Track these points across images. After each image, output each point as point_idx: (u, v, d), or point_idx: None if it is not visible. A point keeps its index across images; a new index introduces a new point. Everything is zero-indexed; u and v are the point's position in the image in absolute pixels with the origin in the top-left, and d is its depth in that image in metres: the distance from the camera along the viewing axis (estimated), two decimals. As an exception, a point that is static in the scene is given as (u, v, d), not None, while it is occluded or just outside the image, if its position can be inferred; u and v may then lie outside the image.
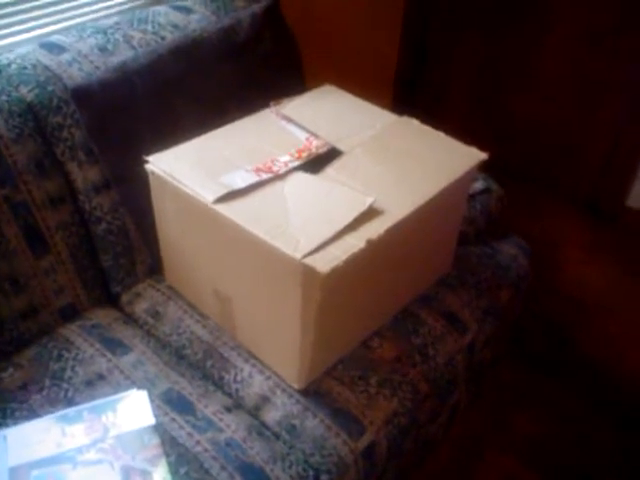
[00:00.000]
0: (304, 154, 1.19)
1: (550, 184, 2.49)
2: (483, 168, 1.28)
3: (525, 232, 1.63)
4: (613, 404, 1.73)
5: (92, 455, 1.00)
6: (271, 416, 1.13)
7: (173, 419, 1.09)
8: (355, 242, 1.00)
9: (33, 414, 1.08)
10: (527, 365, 1.82)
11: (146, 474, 0.98)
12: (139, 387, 1.13)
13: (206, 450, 1.05)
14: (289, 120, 1.30)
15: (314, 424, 1.10)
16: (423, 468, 1.53)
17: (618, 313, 2.00)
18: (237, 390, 1.17)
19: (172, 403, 1.12)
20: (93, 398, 1.10)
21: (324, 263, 0.96)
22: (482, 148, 1.24)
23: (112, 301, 1.35)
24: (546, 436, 1.65)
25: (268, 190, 1.11)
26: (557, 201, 2.46)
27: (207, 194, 1.08)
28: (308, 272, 0.97)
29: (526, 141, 2.51)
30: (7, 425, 1.05)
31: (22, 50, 1.30)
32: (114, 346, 1.21)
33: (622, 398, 1.76)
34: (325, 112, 1.34)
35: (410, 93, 2.65)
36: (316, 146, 1.22)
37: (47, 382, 1.14)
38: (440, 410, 1.35)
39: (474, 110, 2.62)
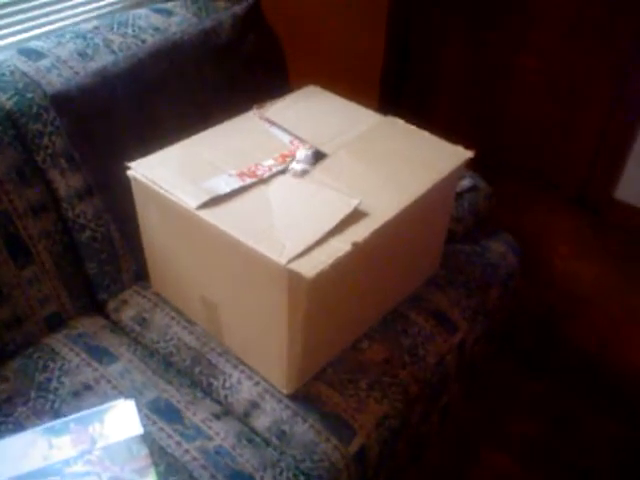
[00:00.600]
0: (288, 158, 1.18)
1: (537, 180, 2.49)
2: (470, 165, 1.28)
3: (513, 228, 1.62)
4: (605, 398, 1.74)
5: (80, 467, 0.99)
6: (261, 422, 1.12)
7: (161, 428, 1.08)
8: (341, 245, 0.99)
9: (19, 427, 1.06)
10: (519, 362, 1.82)
11: (135, 485, 0.97)
12: (126, 396, 1.11)
13: (195, 459, 1.03)
14: (272, 123, 1.29)
15: (304, 429, 1.09)
16: (416, 469, 1.52)
17: (608, 307, 2.00)
18: (226, 396, 1.16)
19: (160, 412, 1.10)
20: (80, 409, 1.09)
21: (310, 268, 0.95)
22: (468, 146, 1.23)
23: (98, 309, 1.34)
24: (540, 434, 1.64)
25: (252, 195, 1.09)
26: (545, 196, 2.45)
27: (190, 200, 1.06)
28: (294, 277, 0.95)
29: (513, 137, 2.51)
30: (-8, 439, 1.04)
31: (-1, 57, 1.28)
32: (100, 355, 1.20)
33: (615, 393, 1.76)
34: (309, 114, 1.33)
35: (396, 93, 2.64)
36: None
37: (33, 394, 1.12)
38: (431, 411, 1.34)
39: (459, 109, 2.61)
